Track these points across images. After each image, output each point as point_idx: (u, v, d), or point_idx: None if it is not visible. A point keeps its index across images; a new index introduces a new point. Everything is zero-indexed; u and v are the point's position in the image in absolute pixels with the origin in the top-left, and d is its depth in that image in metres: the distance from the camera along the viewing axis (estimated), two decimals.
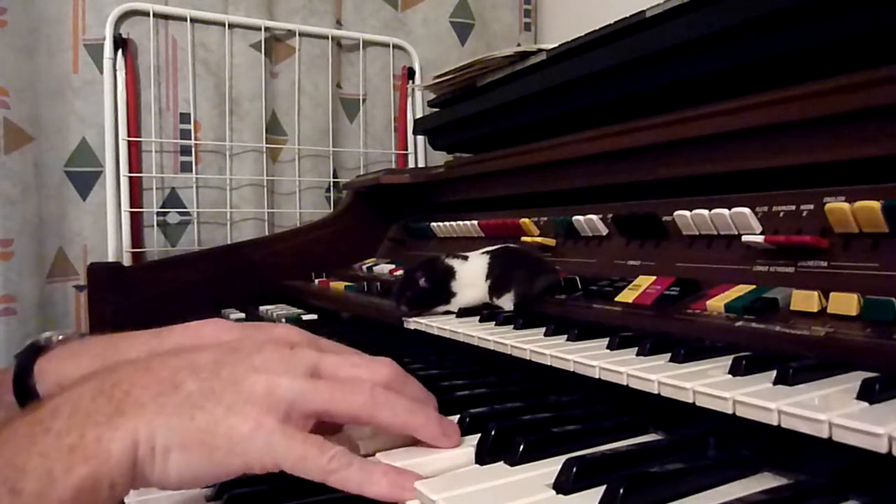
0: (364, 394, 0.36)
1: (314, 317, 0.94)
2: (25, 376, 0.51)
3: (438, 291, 0.67)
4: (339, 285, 1.00)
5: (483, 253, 0.69)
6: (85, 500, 0.30)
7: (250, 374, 0.35)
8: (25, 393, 0.51)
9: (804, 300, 0.43)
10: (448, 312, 0.68)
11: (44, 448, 0.30)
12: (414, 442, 0.38)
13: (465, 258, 0.69)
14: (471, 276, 0.68)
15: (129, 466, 0.31)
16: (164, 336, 0.53)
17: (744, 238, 0.51)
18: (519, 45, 1.57)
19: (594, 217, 0.68)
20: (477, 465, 0.36)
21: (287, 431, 0.33)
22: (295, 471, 0.33)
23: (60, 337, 0.55)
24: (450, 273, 0.68)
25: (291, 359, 0.37)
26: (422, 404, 0.38)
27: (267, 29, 1.39)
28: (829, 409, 0.30)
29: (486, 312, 0.64)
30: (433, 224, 1.01)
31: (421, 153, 1.55)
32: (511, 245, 0.71)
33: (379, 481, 0.33)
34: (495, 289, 0.67)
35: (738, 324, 0.45)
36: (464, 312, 0.67)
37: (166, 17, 1.31)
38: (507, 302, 0.66)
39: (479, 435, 0.38)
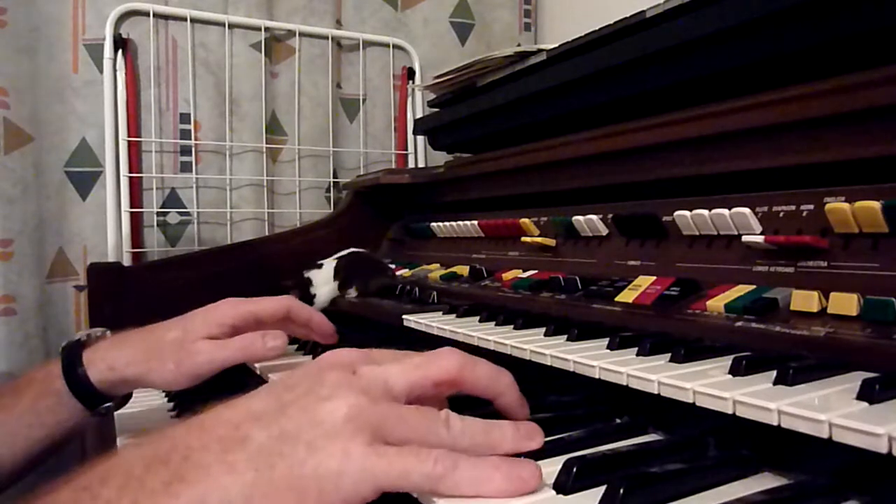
0: (441, 426, 0.33)
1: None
2: (75, 365, 0.56)
3: (304, 296, 0.88)
4: None
5: (333, 259, 0.93)
6: None
7: (322, 404, 0.32)
8: (77, 380, 0.56)
9: (804, 300, 0.43)
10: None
11: None
12: None
13: (320, 266, 0.93)
14: (323, 278, 0.91)
15: None
16: (190, 316, 0.59)
17: (744, 238, 0.51)
18: (519, 45, 1.57)
19: (594, 217, 0.68)
20: None
21: (379, 451, 0.31)
22: (400, 488, 0.31)
23: (98, 333, 0.61)
24: (308, 282, 0.91)
25: (360, 381, 0.34)
26: (495, 427, 0.35)
27: (267, 29, 1.39)
28: (829, 409, 0.30)
29: (485, 313, 0.64)
30: (433, 224, 1.01)
31: (421, 153, 1.55)
32: (356, 251, 0.96)
33: (493, 477, 0.31)
34: (342, 286, 0.90)
35: (738, 324, 0.45)
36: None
37: (166, 17, 1.31)
38: (351, 294, 0.89)
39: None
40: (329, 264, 0.92)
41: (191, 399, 0.71)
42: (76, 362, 0.57)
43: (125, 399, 0.65)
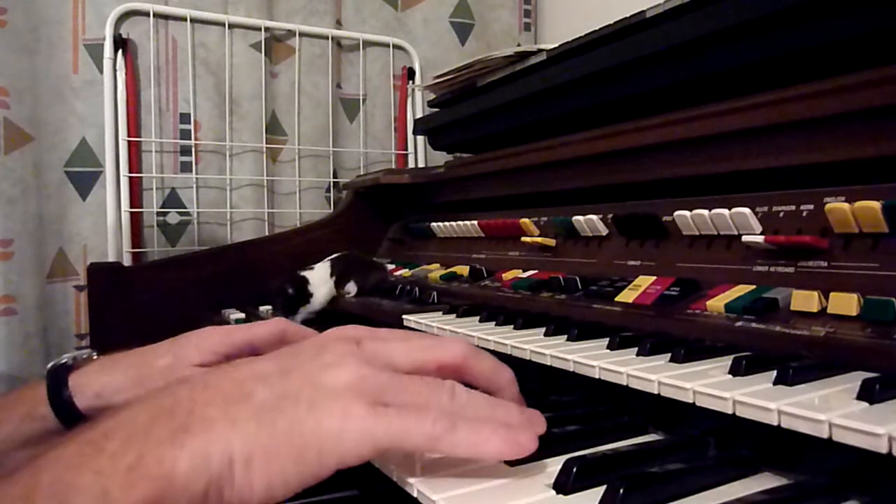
0: (450, 392, 0.34)
1: (313, 316, 0.94)
2: (60, 390, 0.54)
3: (301, 295, 0.90)
4: None
5: (326, 260, 0.95)
6: None
7: (326, 370, 0.33)
8: (62, 406, 0.55)
9: (804, 300, 0.43)
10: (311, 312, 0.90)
11: (98, 466, 0.28)
12: None
13: (312, 268, 0.93)
14: (319, 278, 0.91)
15: (200, 487, 0.29)
16: (183, 341, 0.58)
17: (744, 238, 0.51)
18: (519, 45, 1.57)
19: (594, 217, 0.68)
20: (477, 465, 0.36)
21: (378, 412, 0.31)
22: (399, 448, 0.31)
23: (84, 356, 0.59)
24: (305, 281, 0.91)
25: (364, 352, 0.35)
26: (501, 405, 0.36)
27: (267, 29, 1.39)
28: (829, 409, 0.30)
29: (485, 313, 0.64)
30: (433, 224, 1.01)
31: (421, 153, 1.55)
32: (346, 252, 0.98)
33: (490, 439, 0.31)
34: (339, 283, 0.92)
35: (739, 324, 0.45)
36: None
37: (166, 17, 1.31)
38: (351, 288, 0.91)
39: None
40: (322, 266, 0.94)
41: None
42: (62, 387, 0.54)
43: None
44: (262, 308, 1.03)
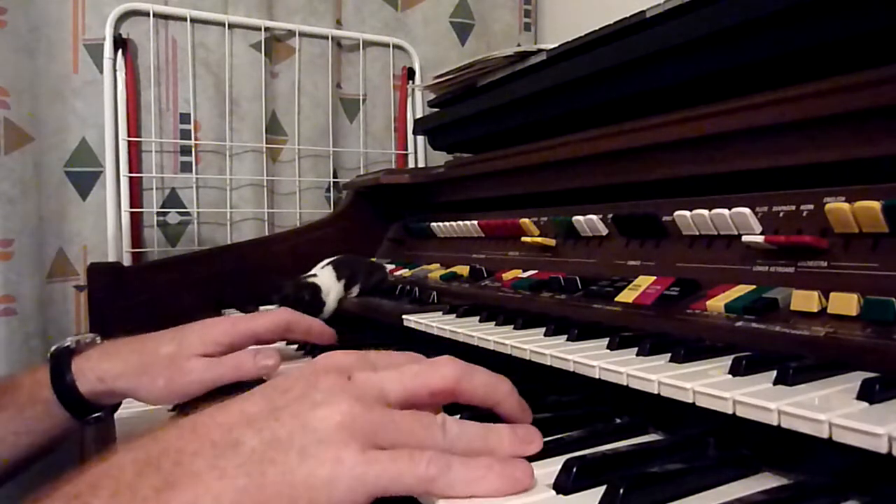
0: (437, 430, 0.33)
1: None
2: (63, 373, 0.55)
3: (316, 304, 0.86)
4: None
5: (325, 264, 0.92)
6: None
7: (315, 411, 0.31)
8: (65, 390, 0.55)
9: (804, 300, 0.43)
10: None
11: None
12: None
13: (316, 275, 0.90)
14: (328, 283, 0.89)
15: None
16: (187, 330, 0.58)
17: (744, 238, 0.51)
18: (519, 45, 1.57)
19: (594, 217, 0.68)
20: None
21: (370, 457, 0.30)
22: (393, 492, 0.30)
23: (87, 340, 0.59)
24: (318, 288, 0.87)
25: (354, 387, 0.34)
26: (493, 432, 0.35)
27: (267, 29, 1.39)
28: (829, 409, 0.30)
29: (485, 313, 0.64)
30: (433, 224, 1.01)
31: (421, 153, 1.55)
32: (342, 256, 0.96)
33: (486, 477, 0.31)
34: (348, 285, 0.90)
35: (739, 324, 0.45)
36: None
37: (166, 17, 1.31)
38: (355, 291, 0.91)
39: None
40: (324, 271, 0.91)
41: (192, 402, 0.71)
42: (64, 370, 0.55)
43: (114, 409, 0.64)
44: (262, 308, 1.03)
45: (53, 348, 0.58)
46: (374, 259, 1.10)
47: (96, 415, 0.59)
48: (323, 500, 0.29)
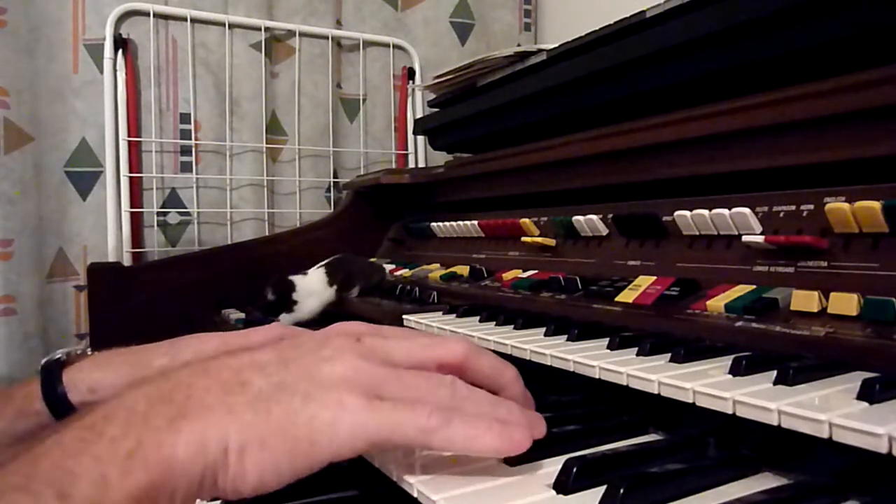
0: (449, 387, 0.34)
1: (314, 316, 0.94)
2: (54, 385, 0.54)
3: (282, 302, 0.83)
4: None
5: (319, 266, 0.89)
6: None
7: (323, 364, 0.33)
8: (56, 402, 0.55)
9: (804, 300, 0.43)
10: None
11: (97, 452, 0.28)
12: None
13: (305, 274, 0.87)
14: (310, 287, 0.85)
15: (196, 473, 0.29)
16: (181, 343, 0.58)
17: (744, 238, 0.51)
18: (519, 45, 1.57)
19: (594, 217, 0.68)
20: (477, 465, 0.36)
21: (373, 405, 0.31)
22: (393, 443, 0.31)
23: (78, 351, 0.59)
24: (291, 287, 0.84)
25: (363, 347, 0.35)
26: (503, 404, 0.35)
27: (267, 29, 1.39)
28: (829, 409, 0.30)
29: (485, 313, 0.64)
30: (433, 224, 1.01)
31: (421, 153, 1.55)
32: (340, 256, 0.93)
33: (486, 434, 0.32)
34: (344, 287, 0.87)
35: (739, 324, 0.45)
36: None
37: (166, 17, 1.31)
38: (354, 292, 0.88)
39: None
40: (316, 273, 0.89)
41: None
42: (56, 382, 0.54)
43: None
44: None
45: (44, 360, 0.58)
46: (374, 259, 1.10)
47: None
48: (324, 441, 0.30)
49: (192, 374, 0.32)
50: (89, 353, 0.60)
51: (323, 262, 0.91)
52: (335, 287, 0.87)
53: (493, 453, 0.32)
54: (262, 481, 0.30)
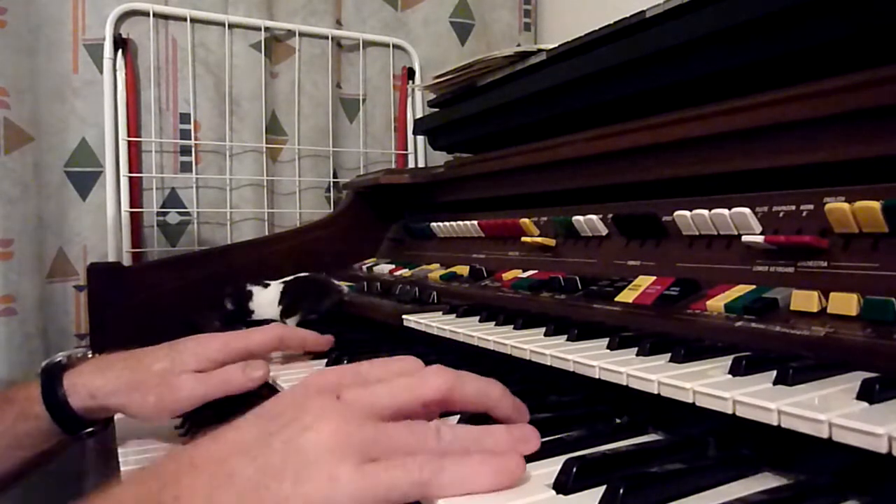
0: (434, 434, 0.33)
1: (314, 316, 0.94)
2: (55, 389, 0.54)
3: (240, 312, 0.85)
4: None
5: (280, 282, 0.88)
6: None
7: (307, 434, 0.32)
8: (56, 405, 0.55)
9: (804, 300, 0.43)
10: None
11: None
12: None
13: (267, 285, 0.87)
14: (266, 299, 0.86)
15: None
16: (181, 346, 0.58)
17: (744, 238, 0.51)
18: (519, 45, 1.57)
19: (594, 217, 0.68)
20: None
21: (365, 471, 0.30)
22: (393, 501, 0.30)
23: (79, 354, 0.59)
24: (248, 296, 0.86)
25: (344, 407, 0.34)
26: (487, 434, 0.35)
27: (267, 29, 1.39)
28: (829, 409, 0.30)
29: (485, 313, 0.64)
30: (433, 224, 1.01)
31: (421, 153, 1.55)
32: (303, 275, 0.91)
33: (480, 472, 0.31)
34: (284, 313, 0.85)
35: (738, 324, 0.45)
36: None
37: (166, 17, 1.31)
38: (293, 321, 0.84)
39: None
40: (275, 287, 0.88)
41: (197, 411, 0.70)
42: (56, 386, 0.55)
43: (107, 424, 0.63)
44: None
45: (45, 363, 0.58)
46: (338, 281, 1.04)
47: (88, 430, 0.58)
48: None
49: (179, 469, 0.32)
50: (90, 356, 0.60)
51: (285, 279, 0.90)
52: (280, 308, 0.86)
53: (492, 489, 0.31)
54: None
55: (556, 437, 0.39)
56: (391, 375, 0.39)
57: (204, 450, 0.33)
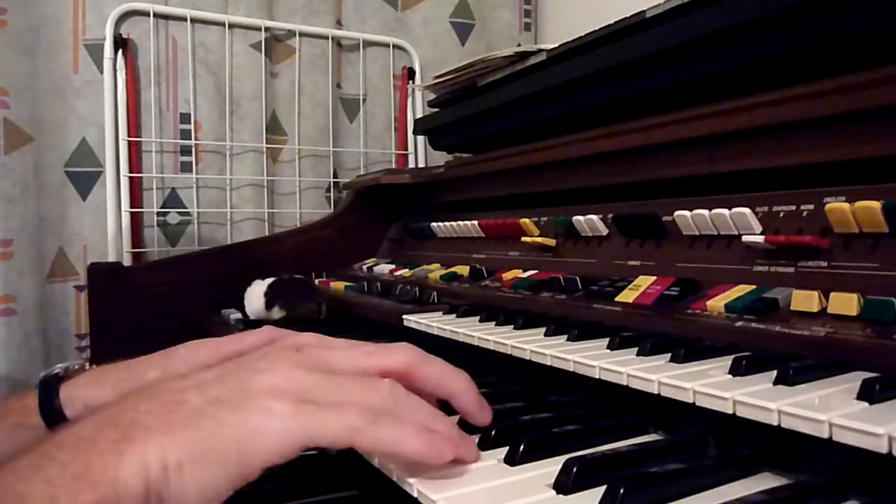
0: (383, 392, 0.34)
1: (316, 316, 0.94)
2: (51, 400, 0.55)
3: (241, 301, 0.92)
4: (339, 285, 1.00)
5: (266, 280, 0.93)
6: None
7: (256, 375, 0.34)
8: (53, 417, 0.55)
9: (804, 300, 0.43)
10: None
11: (48, 475, 0.29)
12: None
13: (263, 280, 0.92)
14: (256, 293, 0.91)
15: (140, 493, 0.30)
16: (173, 354, 0.58)
17: (744, 238, 0.51)
18: (519, 45, 1.57)
19: (594, 217, 0.68)
20: (477, 465, 0.36)
21: (300, 408, 0.32)
22: (319, 443, 0.32)
23: (76, 366, 0.59)
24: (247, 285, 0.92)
25: (300, 357, 0.36)
26: (442, 419, 0.36)
27: (267, 29, 1.39)
28: (829, 409, 0.30)
29: (485, 313, 0.64)
30: (433, 224, 1.01)
31: (421, 153, 1.55)
32: (286, 277, 0.94)
33: (411, 438, 0.32)
34: (267, 305, 0.90)
35: (739, 324, 0.45)
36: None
37: (166, 17, 1.31)
38: (276, 314, 0.89)
39: (478, 436, 0.38)
40: (267, 282, 0.92)
41: None
42: (53, 398, 0.55)
43: None
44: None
45: (42, 375, 0.58)
46: (316, 285, 1.06)
47: None
48: (251, 448, 0.31)
49: (138, 399, 0.34)
50: (87, 367, 0.61)
51: (272, 279, 0.93)
52: (264, 301, 0.91)
53: (417, 458, 0.32)
54: (203, 496, 0.31)
55: (557, 436, 0.39)
56: (356, 345, 0.40)
57: (167, 384, 0.35)
